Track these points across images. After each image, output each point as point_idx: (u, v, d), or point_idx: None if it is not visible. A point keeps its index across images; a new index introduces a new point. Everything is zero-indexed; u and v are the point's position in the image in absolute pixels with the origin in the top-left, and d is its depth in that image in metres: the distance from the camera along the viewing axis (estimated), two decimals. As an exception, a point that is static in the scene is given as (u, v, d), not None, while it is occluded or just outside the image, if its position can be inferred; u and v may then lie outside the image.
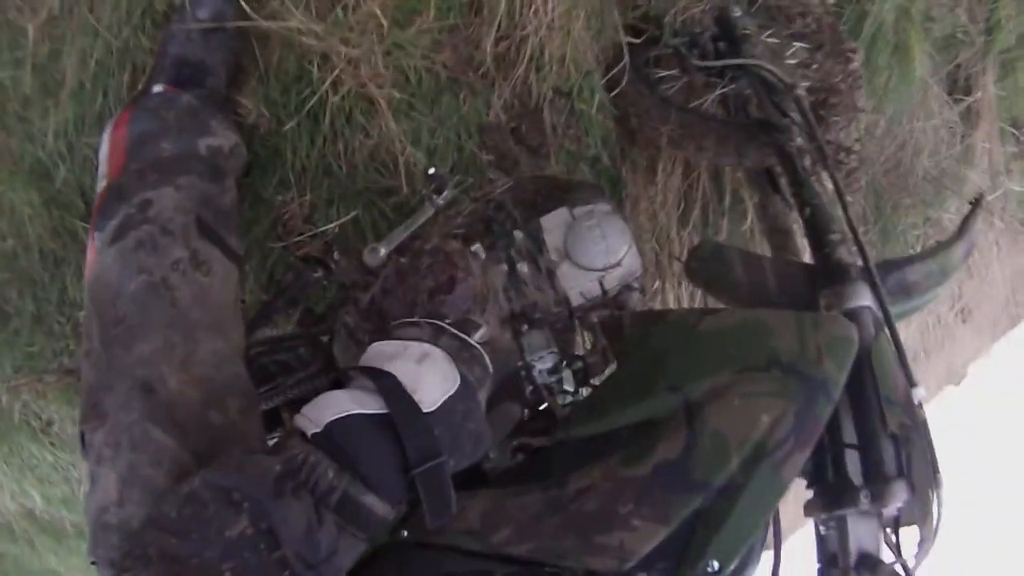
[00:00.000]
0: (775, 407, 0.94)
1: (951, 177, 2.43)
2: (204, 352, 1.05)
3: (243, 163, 1.41)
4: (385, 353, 0.98)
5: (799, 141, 1.36)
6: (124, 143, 1.26)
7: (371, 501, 0.85)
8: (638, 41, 1.64)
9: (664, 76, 1.66)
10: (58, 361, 1.84)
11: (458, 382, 0.95)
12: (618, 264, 1.30)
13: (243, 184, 1.49)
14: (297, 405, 1.44)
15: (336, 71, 1.41)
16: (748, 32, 1.53)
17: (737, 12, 1.58)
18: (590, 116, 1.62)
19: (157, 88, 1.36)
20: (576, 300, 1.31)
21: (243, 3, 1.38)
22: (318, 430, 0.87)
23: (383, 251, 1.29)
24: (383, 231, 1.53)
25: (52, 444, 2.18)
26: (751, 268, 1.28)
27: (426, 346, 0.98)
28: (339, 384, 1.00)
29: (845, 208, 1.23)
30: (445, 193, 1.32)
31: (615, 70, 1.62)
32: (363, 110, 1.47)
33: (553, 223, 1.33)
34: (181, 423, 0.98)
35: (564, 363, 1.27)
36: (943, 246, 1.31)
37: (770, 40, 1.60)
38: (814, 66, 1.56)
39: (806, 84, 1.50)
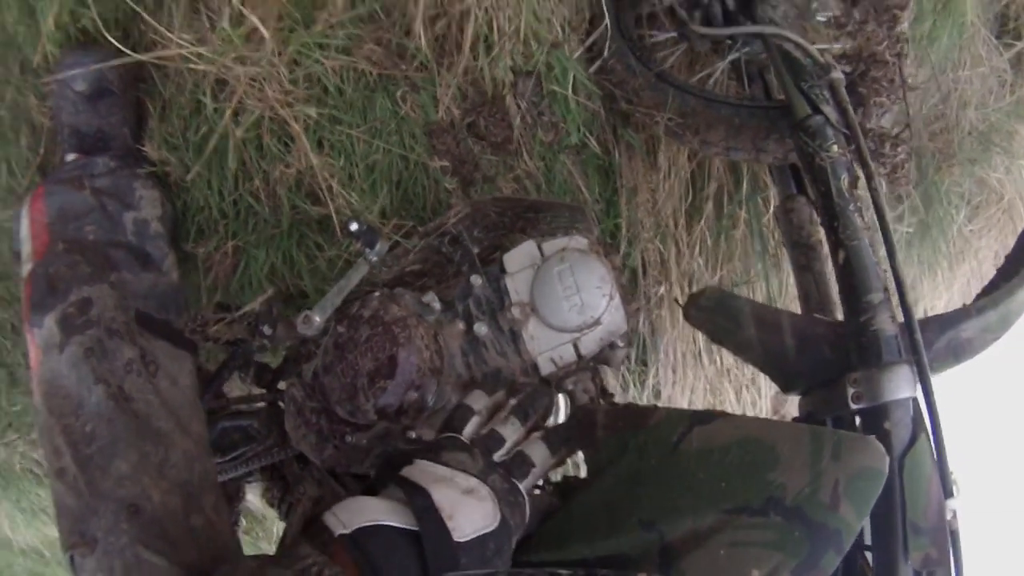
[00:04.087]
0: (768, 561, 0.82)
1: (1000, 132, 2.17)
2: (176, 456, 1.10)
3: (171, 221, 1.37)
4: (433, 474, 0.95)
5: (835, 151, 1.11)
6: (44, 219, 1.25)
7: None
8: None
9: (659, 40, 1.39)
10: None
11: (497, 523, 0.91)
12: (596, 323, 1.12)
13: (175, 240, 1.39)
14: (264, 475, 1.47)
15: (236, 97, 1.24)
16: None
17: None
18: (566, 98, 1.37)
19: (70, 157, 1.34)
20: (546, 368, 1.15)
21: (116, 41, 1.24)
22: (346, 531, 0.86)
23: (317, 319, 1.15)
24: (321, 267, 1.38)
25: (58, 486, 2.26)
26: (765, 326, 1.08)
27: (474, 481, 0.94)
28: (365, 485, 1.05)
29: (892, 254, 1.03)
30: (378, 246, 1.15)
31: (595, 35, 1.35)
32: (277, 136, 1.29)
33: (518, 262, 1.16)
34: (170, 537, 1.03)
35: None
36: (1005, 291, 1.09)
37: None
38: (848, 27, 1.27)
39: (841, 51, 1.25)
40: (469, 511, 0.90)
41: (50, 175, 1.34)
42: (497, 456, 1.00)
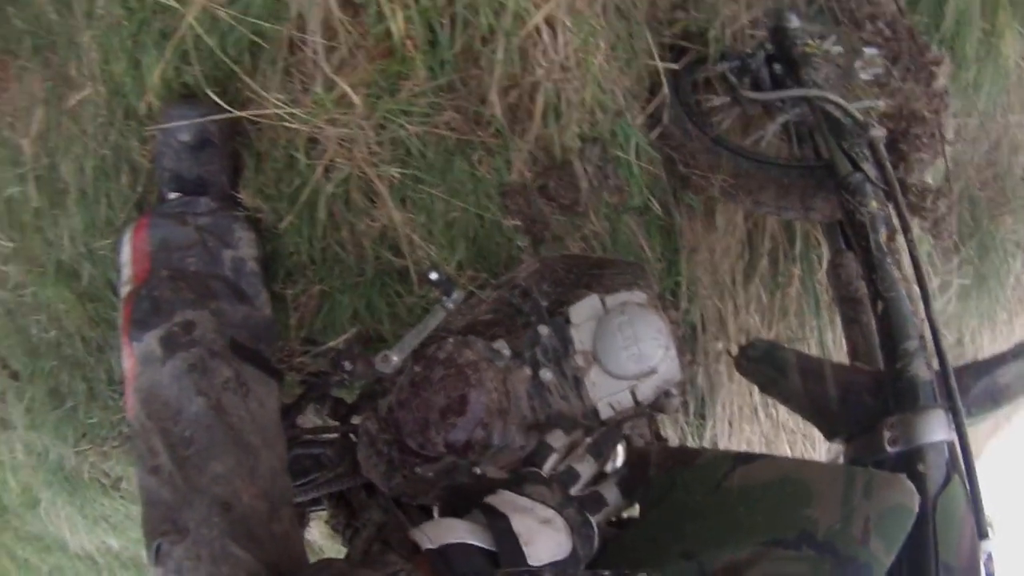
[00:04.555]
0: None
1: (1054, 177, 2.20)
2: (263, 467, 1.22)
3: (265, 264, 1.50)
4: (514, 504, 1.06)
5: (873, 206, 1.22)
6: (147, 247, 1.38)
7: None
8: (679, 66, 1.50)
9: (715, 104, 1.52)
10: (117, 430, 2.07)
11: (568, 552, 1.02)
12: (652, 371, 1.24)
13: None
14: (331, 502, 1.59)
15: (327, 155, 1.39)
16: (809, 50, 1.37)
17: (794, 22, 1.43)
18: (629, 163, 1.50)
19: (172, 195, 1.47)
20: (605, 412, 1.27)
21: (215, 96, 1.39)
22: (433, 546, 0.97)
23: (395, 359, 1.29)
24: (400, 313, 1.52)
25: (123, 498, 2.44)
26: (809, 375, 1.18)
27: (551, 513, 1.05)
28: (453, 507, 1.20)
29: (928, 303, 1.11)
30: (454, 295, 1.29)
31: (654, 103, 1.49)
32: (363, 192, 1.44)
33: (583, 314, 1.29)
34: (256, 536, 1.14)
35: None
36: None
37: (836, 49, 1.43)
38: (890, 85, 1.38)
39: (881, 109, 1.34)
40: (544, 539, 1.00)
41: (155, 209, 1.48)
42: (573, 491, 1.11)
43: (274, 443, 1.29)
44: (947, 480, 1.01)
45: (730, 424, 1.82)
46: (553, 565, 0.99)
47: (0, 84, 1.75)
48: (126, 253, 1.41)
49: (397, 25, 1.31)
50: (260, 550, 1.13)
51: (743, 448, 1.84)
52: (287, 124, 1.39)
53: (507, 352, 1.29)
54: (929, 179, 1.43)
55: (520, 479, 1.11)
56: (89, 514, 2.63)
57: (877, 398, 1.12)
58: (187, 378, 1.22)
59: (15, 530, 3.38)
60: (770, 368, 1.22)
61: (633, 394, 1.25)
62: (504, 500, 1.07)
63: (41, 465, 2.48)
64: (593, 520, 1.08)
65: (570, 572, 1.02)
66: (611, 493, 1.13)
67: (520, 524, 1.01)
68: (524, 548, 0.98)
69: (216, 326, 1.29)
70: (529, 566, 0.98)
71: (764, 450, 1.86)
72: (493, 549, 0.98)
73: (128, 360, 1.30)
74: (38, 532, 3.18)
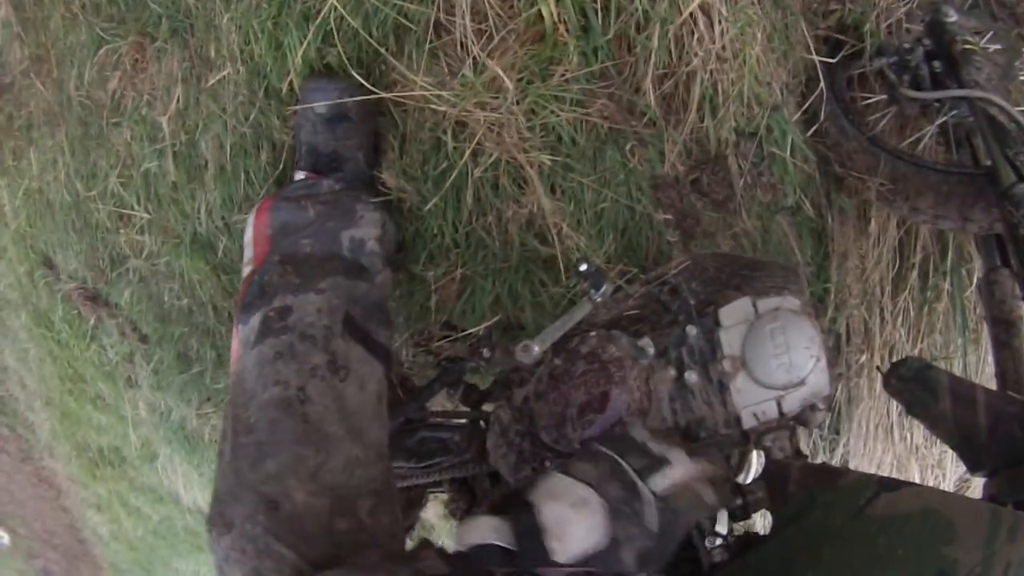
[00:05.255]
0: None
1: None
2: (336, 462, 1.18)
3: (393, 243, 1.51)
4: (550, 490, 1.01)
5: None
6: (267, 231, 1.40)
7: None
8: (834, 60, 1.45)
9: (871, 102, 1.47)
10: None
11: (606, 541, 0.95)
12: (801, 383, 1.21)
13: (394, 261, 1.56)
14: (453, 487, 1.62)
15: (475, 139, 1.40)
16: (969, 47, 1.31)
17: (952, 15, 1.36)
18: (784, 160, 1.47)
19: (299, 175, 1.50)
20: (749, 422, 1.25)
21: (359, 77, 1.42)
22: (461, 549, 0.96)
23: (536, 349, 1.27)
24: (544, 302, 1.53)
25: (243, 462, 2.53)
26: (960, 401, 1.12)
27: (587, 492, 0.99)
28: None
29: None
30: (604, 288, 1.28)
31: (811, 99, 1.45)
32: (512, 177, 1.45)
33: (733, 317, 1.27)
34: (308, 534, 1.11)
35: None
36: None
37: (995, 46, 1.36)
38: None
39: None
40: (575, 528, 0.94)
41: (277, 192, 1.50)
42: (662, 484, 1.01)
43: (364, 431, 1.25)
44: None
45: (864, 443, 1.77)
46: (590, 559, 0.94)
47: (138, 65, 1.83)
48: (249, 234, 1.44)
49: (548, 9, 1.31)
50: (310, 548, 1.11)
51: (873, 469, 1.80)
52: (434, 107, 1.41)
53: (652, 350, 1.28)
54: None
55: (573, 456, 1.07)
56: (206, 472, 2.75)
57: None
58: (270, 366, 1.22)
59: (130, 480, 3.58)
60: (921, 389, 1.16)
61: (779, 405, 1.23)
62: (542, 486, 1.01)
63: (162, 423, 2.61)
64: (649, 487, 1.00)
65: (613, 567, 0.95)
66: (673, 453, 1.05)
67: (549, 515, 0.95)
68: (552, 544, 0.93)
69: (320, 306, 1.28)
70: (554, 562, 0.93)
71: (894, 474, 1.82)
72: (516, 548, 0.94)
73: (235, 343, 1.32)
74: (152, 484, 3.35)
